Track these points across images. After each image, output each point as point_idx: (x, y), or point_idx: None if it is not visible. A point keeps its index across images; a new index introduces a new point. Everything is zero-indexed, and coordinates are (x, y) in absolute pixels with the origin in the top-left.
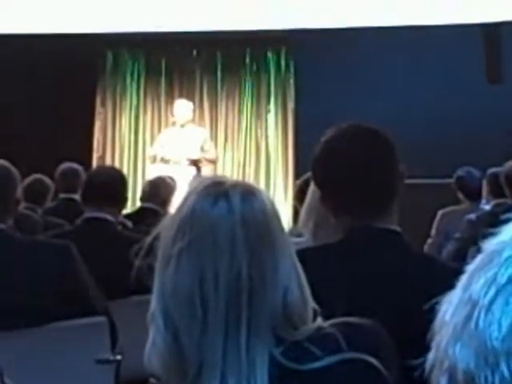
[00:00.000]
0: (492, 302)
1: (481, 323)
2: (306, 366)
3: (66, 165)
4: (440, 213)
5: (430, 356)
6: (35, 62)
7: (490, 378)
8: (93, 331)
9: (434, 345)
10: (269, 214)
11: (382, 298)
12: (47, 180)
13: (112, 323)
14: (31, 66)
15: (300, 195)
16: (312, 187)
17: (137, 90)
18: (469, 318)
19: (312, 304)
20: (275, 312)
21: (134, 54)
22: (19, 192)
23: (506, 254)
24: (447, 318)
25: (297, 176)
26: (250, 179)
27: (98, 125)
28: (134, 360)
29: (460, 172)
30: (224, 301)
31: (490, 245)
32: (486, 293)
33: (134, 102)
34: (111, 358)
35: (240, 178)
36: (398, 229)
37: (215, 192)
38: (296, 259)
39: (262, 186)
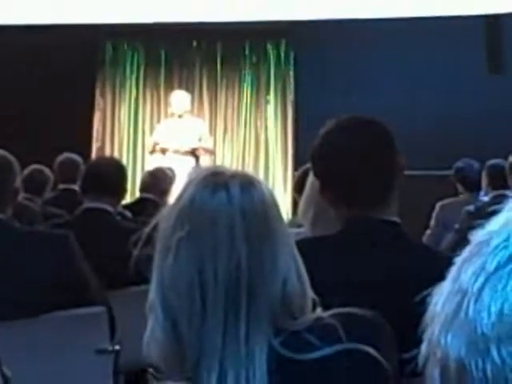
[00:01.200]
0: (481, 289)
1: (471, 311)
2: (305, 356)
3: (65, 155)
4: (439, 204)
5: (423, 348)
6: (34, 53)
7: (480, 365)
8: (91, 321)
9: (426, 337)
10: (268, 204)
11: (381, 288)
12: (46, 170)
13: (111, 313)
14: (30, 57)
15: (299, 186)
16: (311, 178)
17: (136, 81)
18: (459, 307)
19: (311, 294)
20: (274, 302)
21: (134, 45)
22: (18, 182)
23: (494, 243)
24: (438, 309)
25: (296, 167)
26: (249, 170)
27: (97, 116)
28: (133, 350)
29: (459, 163)
30: (223, 291)
31: (478, 236)
32: (474, 281)
33: (134, 93)
34: (110, 348)
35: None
36: (397, 220)
37: (214, 182)
38: (295, 250)
39: (261, 177)
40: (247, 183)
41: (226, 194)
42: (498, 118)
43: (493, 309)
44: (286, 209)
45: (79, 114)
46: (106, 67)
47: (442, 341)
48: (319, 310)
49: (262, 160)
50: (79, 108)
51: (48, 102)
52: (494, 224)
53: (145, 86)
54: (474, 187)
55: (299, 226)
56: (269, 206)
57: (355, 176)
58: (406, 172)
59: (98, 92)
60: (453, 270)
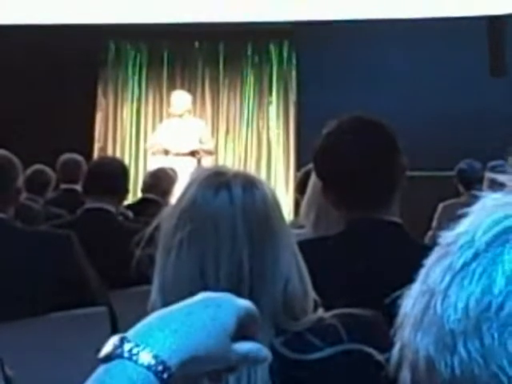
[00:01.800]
0: (448, 287)
1: (438, 309)
2: (307, 356)
3: (67, 155)
4: (441, 205)
5: (395, 352)
6: (37, 53)
7: (449, 362)
8: (93, 321)
9: (397, 340)
10: (270, 204)
11: (383, 289)
12: (48, 170)
13: (112, 313)
14: (33, 56)
15: (301, 187)
16: (313, 179)
17: (138, 81)
18: (427, 306)
19: (313, 295)
20: (276, 302)
21: (136, 45)
22: (20, 182)
23: (460, 243)
24: (408, 310)
25: (298, 168)
26: (251, 170)
27: (99, 116)
28: None
29: (461, 164)
30: (225, 291)
31: (445, 238)
32: (441, 280)
33: (136, 93)
34: None
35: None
36: (399, 220)
37: (217, 182)
38: (297, 250)
39: (263, 177)
40: (249, 183)
41: (228, 194)
42: (500, 119)
43: (459, 305)
44: (287, 209)
45: (81, 114)
46: (108, 67)
47: (412, 341)
48: (321, 311)
49: (264, 160)
50: (81, 108)
51: (50, 102)
52: (462, 226)
53: (147, 86)
54: (475, 188)
55: (301, 226)
56: (271, 207)
57: (357, 177)
58: (408, 173)
59: (100, 92)
60: (422, 272)
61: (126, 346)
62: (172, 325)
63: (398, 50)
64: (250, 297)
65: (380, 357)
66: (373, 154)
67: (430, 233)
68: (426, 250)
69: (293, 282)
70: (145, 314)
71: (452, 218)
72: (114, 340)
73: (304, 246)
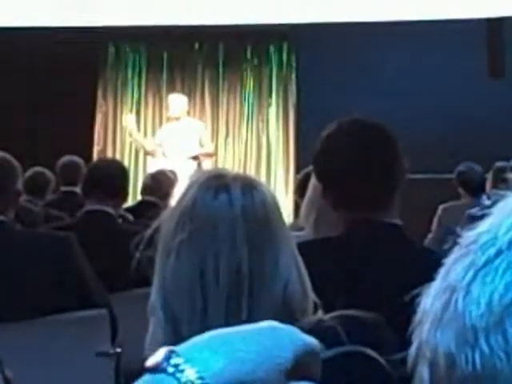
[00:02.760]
0: (470, 284)
1: (460, 306)
2: None
3: (66, 158)
4: (441, 207)
5: (412, 349)
6: (37, 55)
7: (470, 357)
8: (93, 324)
9: (415, 338)
10: (269, 206)
11: (382, 291)
12: (48, 173)
13: (112, 316)
14: (33, 59)
15: (301, 189)
16: (313, 181)
17: (138, 83)
18: (448, 302)
19: (312, 297)
20: (275, 304)
21: (136, 47)
22: (20, 184)
23: (482, 240)
24: (427, 308)
25: (297, 170)
26: (251, 173)
27: (99, 118)
28: (134, 353)
29: (461, 167)
30: (224, 293)
31: (467, 237)
32: (463, 276)
33: (136, 96)
34: (111, 350)
35: (241, 171)
36: (399, 222)
37: (216, 184)
38: (297, 252)
39: (262, 179)
40: (249, 186)
41: (227, 196)
42: (500, 121)
43: (482, 300)
44: (287, 212)
45: (81, 117)
46: (107, 69)
47: (432, 338)
48: (320, 313)
49: (264, 163)
50: (81, 110)
51: (50, 104)
52: (482, 226)
53: (147, 88)
54: (475, 191)
55: (300, 229)
56: (270, 209)
57: (357, 179)
58: (408, 175)
59: (99, 94)
60: (442, 270)
61: (173, 360)
62: (225, 347)
63: (397, 53)
64: (250, 299)
65: (380, 359)
66: (372, 156)
67: (430, 235)
68: (426, 252)
69: (292, 283)
70: (145, 316)
71: (453, 220)
72: (163, 351)
73: (303, 247)
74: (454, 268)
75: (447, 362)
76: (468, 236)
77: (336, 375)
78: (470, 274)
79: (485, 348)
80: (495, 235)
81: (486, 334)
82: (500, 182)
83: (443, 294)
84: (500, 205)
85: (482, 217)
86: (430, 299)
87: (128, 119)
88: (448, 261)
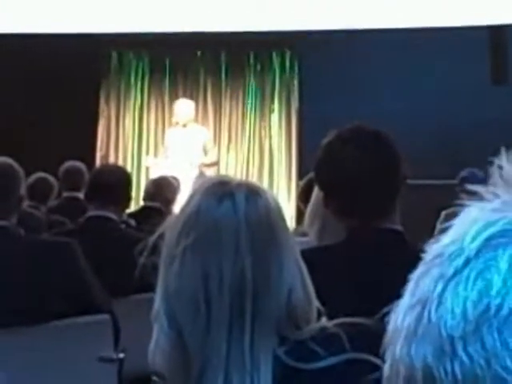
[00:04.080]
0: (441, 294)
1: (433, 316)
2: (310, 365)
3: (69, 163)
4: (444, 213)
5: (385, 369)
6: (39, 62)
7: (449, 368)
8: (96, 329)
9: (387, 356)
10: (273, 213)
11: (385, 297)
12: (51, 178)
13: (115, 321)
14: (36, 65)
15: (303, 195)
16: (316, 190)
17: (141, 89)
18: (420, 315)
19: (316, 304)
20: (279, 311)
21: (139, 54)
22: (23, 190)
23: (449, 252)
24: (398, 324)
25: (300, 176)
26: (254, 179)
27: (101, 124)
28: (137, 358)
29: (463, 173)
30: (228, 300)
31: (430, 252)
32: (434, 288)
33: (138, 102)
34: (114, 356)
35: (243, 178)
36: (400, 228)
37: (220, 191)
38: (300, 259)
39: (265, 185)
40: (253, 193)
41: (231, 203)
42: (501, 127)
43: (456, 310)
44: (290, 218)
45: (84, 123)
46: (110, 76)
47: (406, 354)
48: (324, 320)
49: (267, 169)
50: (84, 116)
51: (53, 110)
52: (446, 238)
53: (149, 94)
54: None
55: (303, 234)
56: (274, 216)
57: (357, 186)
58: (409, 181)
59: (102, 100)
60: (410, 286)
61: None
62: None
63: (398, 59)
64: (253, 305)
65: (383, 366)
66: (373, 163)
67: (432, 241)
68: None
69: (296, 290)
70: (148, 321)
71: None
72: None
73: (307, 254)
74: (422, 282)
75: (425, 375)
76: (433, 249)
77: (339, 382)
78: (440, 285)
79: (464, 357)
80: (461, 245)
81: (463, 343)
82: (463, 191)
83: (414, 309)
84: (461, 216)
85: (446, 229)
86: (400, 316)
87: (149, 161)
88: (414, 276)
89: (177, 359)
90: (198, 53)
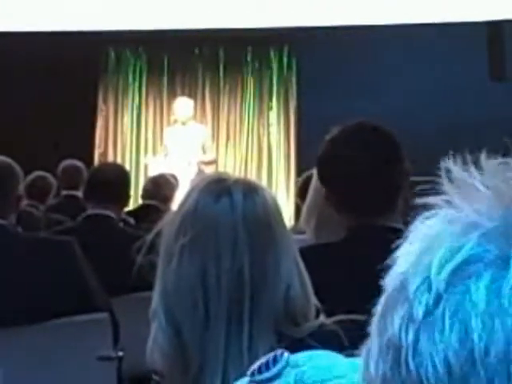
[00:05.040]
0: (416, 341)
1: (411, 366)
2: None
3: (68, 162)
4: None
5: None
6: (37, 60)
7: None
8: (95, 328)
9: None
10: (271, 210)
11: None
12: (49, 177)
13: (114, 320)
14: (33, 63)
15: (302, 192)
16: (313, 185)
17: (139, 87)
18: (397, 364)
19: (314, 301)
20: (277, 308)
21: (136, 51)
22: (21, 189)
23: (412, 288)
24: (372, 372)
25: (298, 173)
26: (252, 176)
27: (99, 122)
28: (136, 356)
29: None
30: (226, 297)
31: (389, 281)
32: (406, 333)
33: (136, 100)
34: (113, 354)
35: (242, 175)
36: (400, 226)
37: (218, 189)
38: (298, 256)
39: (263, 183)
40: (250, 190)
41: (229, 200)
42: (502, 124)
43: (436, 360)
44: (288, 215)
45: (82, 121)
46: (108, 74)
47: None
48: (322, 317)
49: (265, 166)
50: (82, 115)
51: (51, 108)
52: (402, 263)
53: (147, 92)
54: None
55: (302, 232)
56: (272, 213)
57: (359, 183)
58: (412, 178)
59: (100, 99)
60: (375, 322)
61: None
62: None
63: (397, 55)
64: (251, 303)
65: None
66: (376, 160)
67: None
68: None
69: (294, 288)
70: (146, 319)
71: None
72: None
73: (305, 252)
74: (388, 321)
75: None
76: (392, 276)
77: None
78: (412, 330)
79: None
80: (427, 276)
81: None
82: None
83: (387, 355)
84: (415, 232)
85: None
86: (371, 363)
87: (148, 160)
88: (378, 309)
89: (175, 357)
90: (196, 50)
